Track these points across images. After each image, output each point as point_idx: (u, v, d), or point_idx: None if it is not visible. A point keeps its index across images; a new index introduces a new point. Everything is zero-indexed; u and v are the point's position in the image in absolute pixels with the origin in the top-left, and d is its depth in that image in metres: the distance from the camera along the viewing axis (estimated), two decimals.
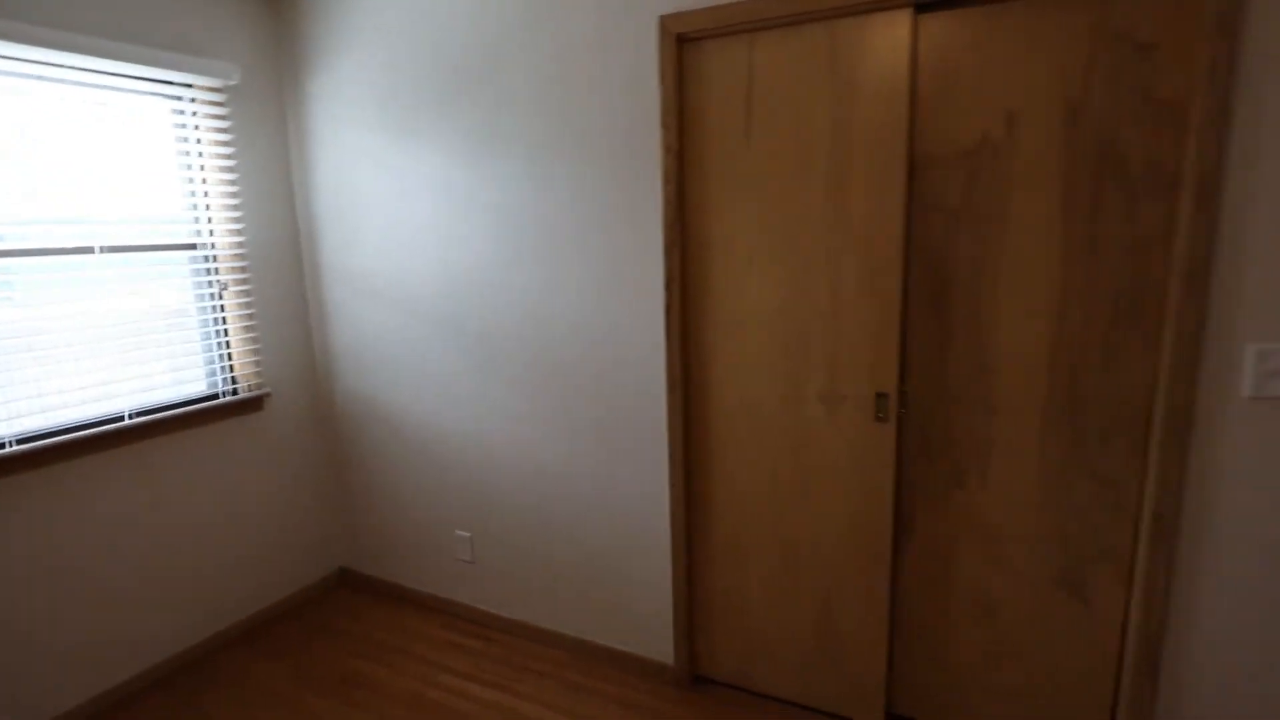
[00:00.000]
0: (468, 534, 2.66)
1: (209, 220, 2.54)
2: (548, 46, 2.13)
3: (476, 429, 2.55)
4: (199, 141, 2.48)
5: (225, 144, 2.54)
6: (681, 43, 1.96)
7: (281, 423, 2.81)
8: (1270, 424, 1.53)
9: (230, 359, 2.64)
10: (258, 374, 2.70)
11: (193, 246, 2.51)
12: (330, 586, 3.03)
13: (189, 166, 2.47)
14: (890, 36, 1.75)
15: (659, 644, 2.35)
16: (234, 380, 2.65)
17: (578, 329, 2.27)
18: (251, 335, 2.67)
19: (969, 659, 1.98)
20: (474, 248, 2.40)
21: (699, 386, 2.14)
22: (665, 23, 1.93)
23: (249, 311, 2.66)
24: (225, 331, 2.62)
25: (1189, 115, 1.54)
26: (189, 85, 2.43)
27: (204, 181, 2.52)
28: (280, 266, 2.76)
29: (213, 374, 2.61)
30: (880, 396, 1.90)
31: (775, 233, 1.96)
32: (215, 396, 2.59)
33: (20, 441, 2.08)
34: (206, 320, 2.57)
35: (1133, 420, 1.70)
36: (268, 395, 2.73)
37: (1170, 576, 1.68)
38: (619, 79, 2.04)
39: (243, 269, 2.63)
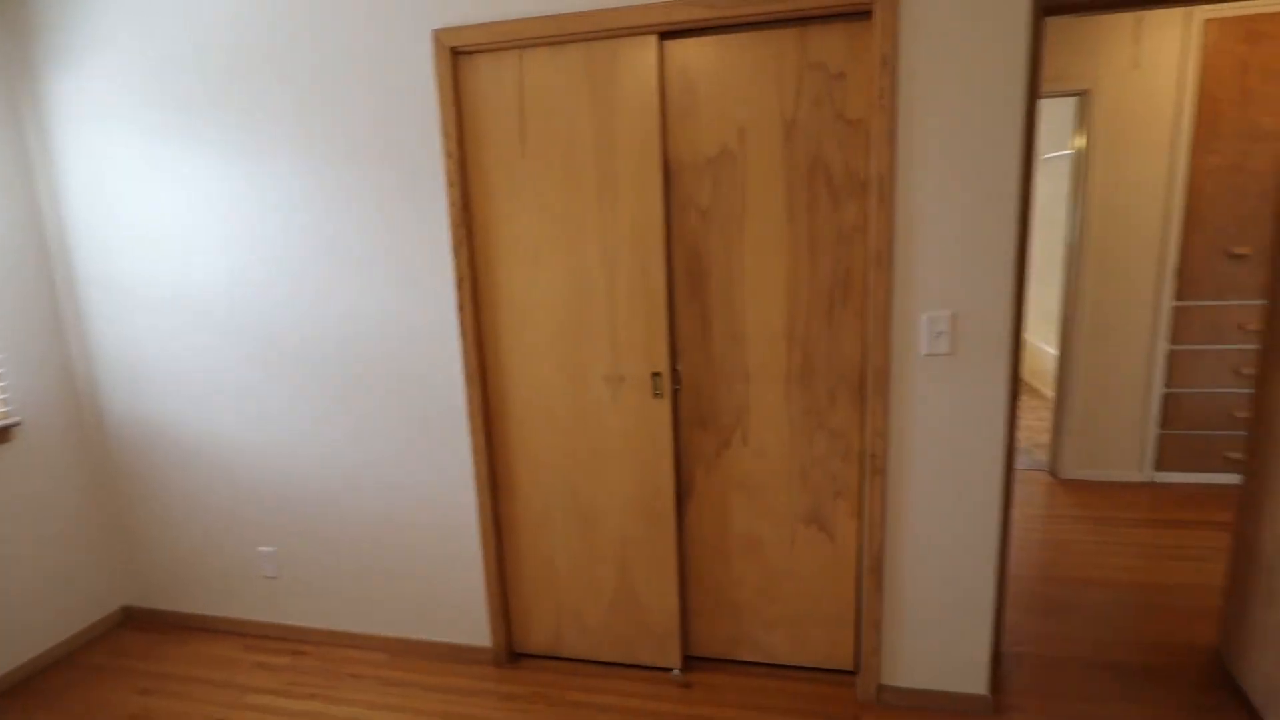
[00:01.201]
0: (272, 549, 2.58)
1: None
2: (324, 54, 2.15)
3: (275, 440, 2.48)
4: None
5: None
6: (456, 55, 2.07)
7: (38, 454, 2.53)
8: (937, 374, 1.96)
9: None
10: (3, 402, 2.42)
11: None
12: (111, 628, 2.77)
13: None
14: (641, 59, 1.99)
15: (477, 629, 2.44)
16: None
17: (375, 330, 2.30)
18: None
19: (745, 596, 2.29)
20: (264, 253, 2.34)
21: (495, 377, 2.27)
22: (439, 36, 2.04)
23: None
24: None
25: (870, 131, 1.93)
26: None
27: None
28: (23, 280, 2.49)
29: None
30: (656, 375, 2.15)
31: (556, 232, 2.13)
32: None
33: None
34: None
35: (851, 379, 2.08)
36: (17, 425, 2.45)
37: (885, 504, 2.08)
38: (399, 87, 2.11)
39: None
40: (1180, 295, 3.52)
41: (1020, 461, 4.06)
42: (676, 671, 2.32)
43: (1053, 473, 3.87)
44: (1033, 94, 1.95)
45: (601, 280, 2.13)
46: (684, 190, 2.07)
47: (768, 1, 1.85)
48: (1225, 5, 3.23)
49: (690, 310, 2.14)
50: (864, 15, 1.87)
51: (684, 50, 1.99)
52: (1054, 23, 3.41)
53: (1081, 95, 3.52)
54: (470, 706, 2.21)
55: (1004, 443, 1.98)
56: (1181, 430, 3.63)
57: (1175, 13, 3.30)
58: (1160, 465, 3.68)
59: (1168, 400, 3.61)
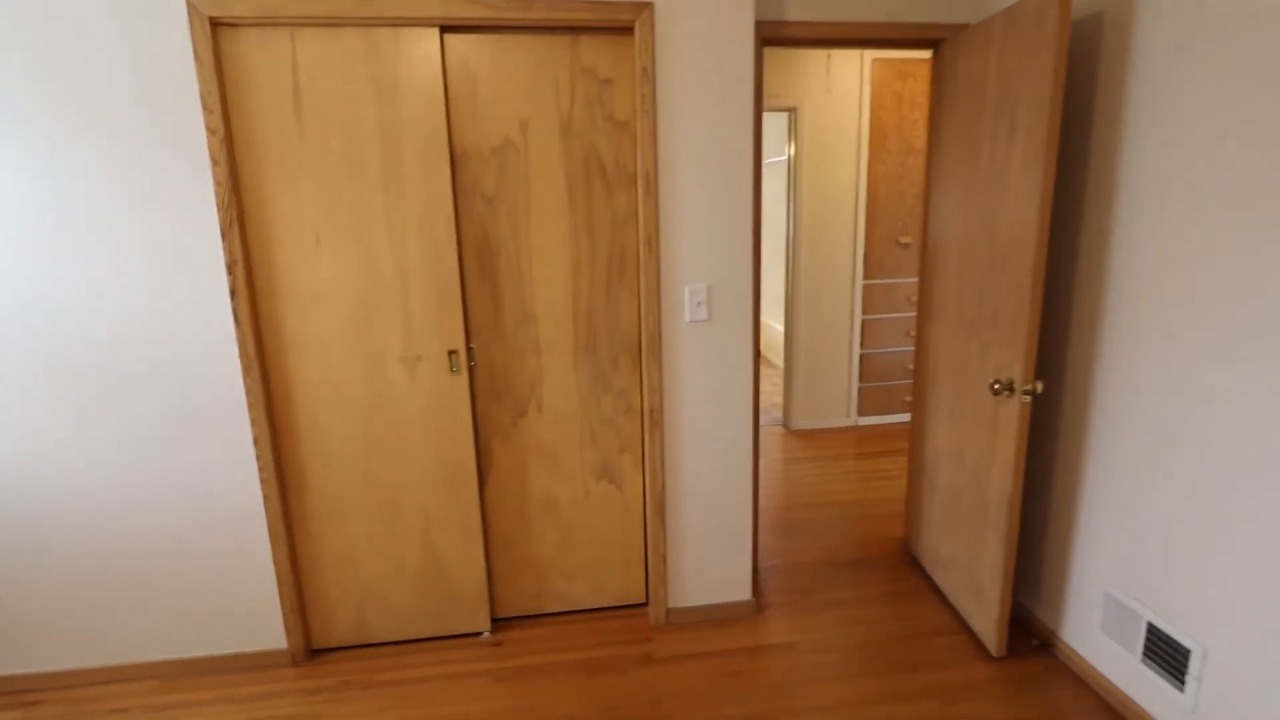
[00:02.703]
0: None
1: None
2: (61, 14, 1.87)
3: None
4: None
5: None
6: (217, 26, 1.95)
7: None
8: (698, 339, 2.34)
9: None
10: None
11: None
12: None
13: None
14: (423, 49, 2.06)
15: (270, 633, 2.32)
16: None
17: (133, 324, 2.06)
18: None
19: (547, 553, 2.49)
20: None
21: (279, 365, 2.18)
22: (195, 4, 1.91)
23: None
24: None
25: (636, 132, 2.22)
26: None
27: None
28: None
29: None
30: (452, 353, 2.24)
31: (340, 216, 2.12)
32: None
33: None
34: None
35: (630, 346, 2.38)
36: None
37: (663, 454, 2.41)
38: (154, 57, 1.92)
39: None
40: (867, 275, 4.44)
41: (761, 420, 4.79)
42: (486, 634, 2.45)
43: (785, 426, 4.64)
44: (759, 107, 2.40)
45: (391, 264, 2.17)
46: (470, 177, 2.19)
47: (542, 10, 2.04)
48: (884, 51, 4.14)
49: (482, 291, 2.27)
50: (627, 30, 2.15)
51: (465, 45, 2.11)
52: (771, 52, 4.08)
53: (791, 112, 4.25)
54: (269, 709, 2.12)
55: (752, 394, 2.42)
56: (874, 383, 4.58)
57: (853, 52, 4.15)
58: (861, 412, 4.61)
59: (863, 360, 4.54)
